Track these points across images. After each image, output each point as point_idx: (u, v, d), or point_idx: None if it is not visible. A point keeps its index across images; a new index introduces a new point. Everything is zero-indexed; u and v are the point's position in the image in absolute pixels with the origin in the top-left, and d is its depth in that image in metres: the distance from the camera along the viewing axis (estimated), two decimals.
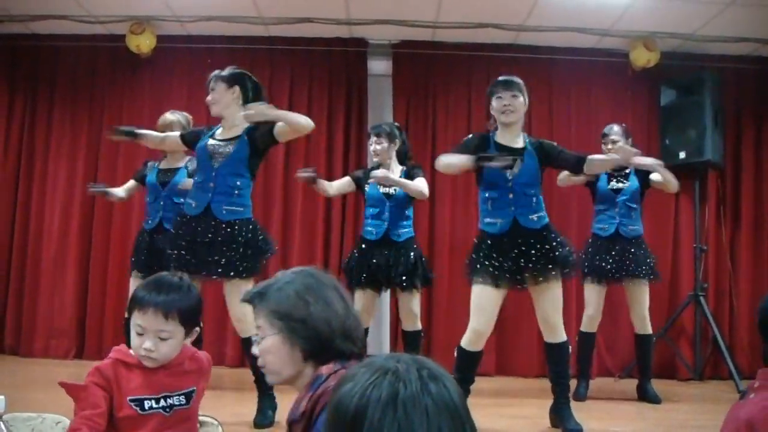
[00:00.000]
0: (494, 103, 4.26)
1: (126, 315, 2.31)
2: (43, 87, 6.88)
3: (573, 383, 4.77)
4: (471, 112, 6.76)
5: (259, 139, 4.25)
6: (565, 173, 5.14)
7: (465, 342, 4.20)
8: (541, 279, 4.12)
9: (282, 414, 4.19)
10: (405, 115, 6.73)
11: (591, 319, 5.42)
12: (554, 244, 4.17)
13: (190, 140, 4.52)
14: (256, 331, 2.00)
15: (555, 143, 4.42)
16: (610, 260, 5.27)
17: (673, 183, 5.06)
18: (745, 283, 6.66)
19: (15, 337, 6.63)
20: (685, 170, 6.49)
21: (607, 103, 6.77)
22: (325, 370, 1.87)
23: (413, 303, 5.11)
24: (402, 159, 5.21)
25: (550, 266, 4.13)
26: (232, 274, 4.12)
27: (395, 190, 5.05)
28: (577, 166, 4.34)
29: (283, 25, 6.52)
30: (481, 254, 4.19)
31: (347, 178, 5.36)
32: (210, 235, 4.15)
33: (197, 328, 2.30)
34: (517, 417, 4.66)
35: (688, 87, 6.54)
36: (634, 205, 5.33)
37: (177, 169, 5.28)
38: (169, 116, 5.36)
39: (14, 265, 6.73)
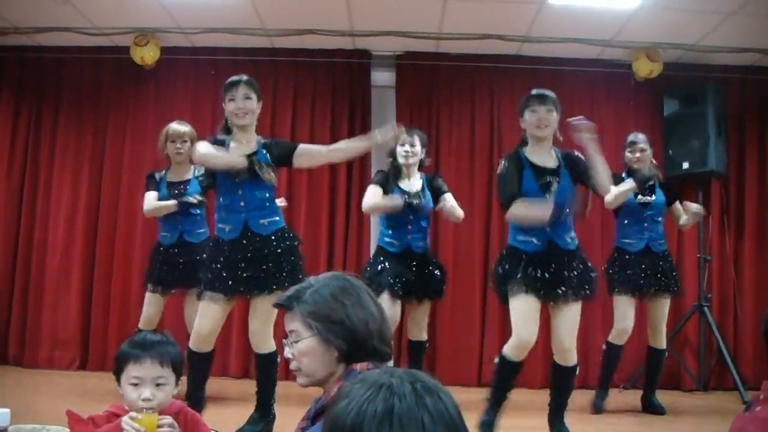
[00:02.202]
0: (528, 116, 4.14)
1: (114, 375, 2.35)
2: (48, 99, 6.91)
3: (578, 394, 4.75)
4: (474, 123, 6.77)
5: (275, 155, 4.16)
6: (613, 193, 4.87)
7: (508, 350, 4.12)
8: (570, 299, 4.05)
9: (280, 427, 4.19)
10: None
11: (623, 333, 5.27)
12: (586, 266, 4.15)
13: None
14: (288, 335, 2.04)
15: (582, 157, 4.17)
16: (642, 275, 5.22)
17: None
18: (750, 293, 6.64)
19: (19, 347, 6.63)
20: (688, 180, 6.50)
21: (610, 114, 6.77)
22: (359, 366, 1.93)
23: (425, 313, 5.13)
24: (419, 166, 5.12)
25: (581, 288, 4.08)
26: (275, 287, 4.00)
27: (420, 200, 4.96)
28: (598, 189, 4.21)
29: (287, 37, 6.54)
30: (516, 266, 4.10)
31: (378, 190, 4.98)
32: (252, 251, 4.05)
33: (181, 379, 2.39)
34: (522, 428, 4.64)
35: (691, 97, 6.53)
36: (660, 219, 5.32)
37: (188, 181, 5.21)
38: (180, 127, 5.22)
39: (18, 275, 6.74)
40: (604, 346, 5.39)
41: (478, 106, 6.79)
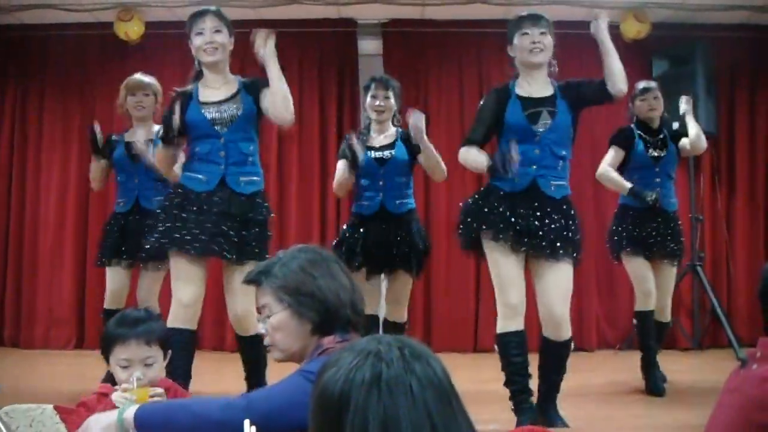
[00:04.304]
0: (518, 41, 3.65)
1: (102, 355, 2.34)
2: (33, 77, 6.86)
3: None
4: (463, 89, 6.75)
5: (254, 95, 3.64)
6: (611, 175, 4.66)
7: (499, 324, 3.60)
8: (549, 255, 3.51)
9: None
10: None
11: (647, 296, 4.75)
12: (571, 222, 3.60)
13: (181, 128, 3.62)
14: (260, 310, 2.05)
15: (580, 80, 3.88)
16: (653, 233, 4.71)
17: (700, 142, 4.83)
18: (742, 251, 6.69)
19: (15, 328, 6.66)
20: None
21: (599, 76, 6.70)
22: (326, 341, 1.95)
23: (406, 289, 4.48)
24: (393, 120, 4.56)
25: (562, 244, 3.52)
26: (246, 258, 3.51)
27: (391, 153, 4.39)
28: (603, 91, 3.92)
29: (272, 8, 6.47)
30: (486, 204, 3.61)
31: (341, 163, 4.41)
32: (225, 207, 3.50)
33: (169, 351, 2.38)
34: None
35: (680, 57, 6.51)
36: (673, 175, 4.85)
37: (149, 141, 4.49)
38: (144, 78, 4.79)
39: (11, 255, 6.74)
40: (634, 320, 5.00)
41: (466, 72, 6.77)
